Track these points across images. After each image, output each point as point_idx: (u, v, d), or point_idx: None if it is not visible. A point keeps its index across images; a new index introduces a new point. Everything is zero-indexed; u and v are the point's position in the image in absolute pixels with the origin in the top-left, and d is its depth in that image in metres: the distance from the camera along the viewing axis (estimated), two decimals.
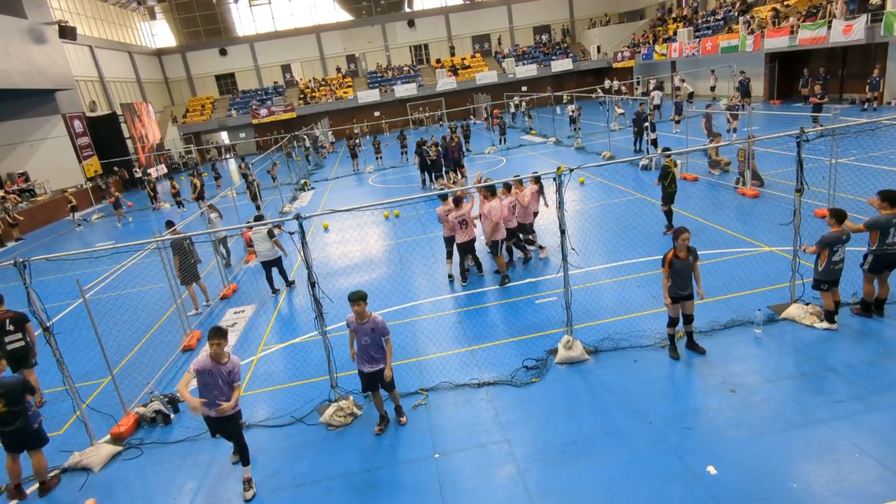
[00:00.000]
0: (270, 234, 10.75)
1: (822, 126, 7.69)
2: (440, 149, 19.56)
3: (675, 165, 11.27)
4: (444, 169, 19.65)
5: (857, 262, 7.07)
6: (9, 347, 7.44)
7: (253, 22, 48.00)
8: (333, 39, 48.06)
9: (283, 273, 11.29)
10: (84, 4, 36.08)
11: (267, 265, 11.01)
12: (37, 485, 6.09)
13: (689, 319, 6.79)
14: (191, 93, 47.56)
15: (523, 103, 36.88)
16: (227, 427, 5.59)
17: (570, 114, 27.21)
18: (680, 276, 6.50)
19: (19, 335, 7.56)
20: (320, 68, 48.52)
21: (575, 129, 25.84)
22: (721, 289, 8.27)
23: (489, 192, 9.60)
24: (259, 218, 11.34)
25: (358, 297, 5.82)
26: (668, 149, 12.73)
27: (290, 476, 5.77)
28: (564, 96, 38.08)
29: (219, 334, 5.38)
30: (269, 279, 11.21)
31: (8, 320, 7.49)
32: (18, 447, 5.95)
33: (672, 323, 6.79)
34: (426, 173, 20.02)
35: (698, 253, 6.64)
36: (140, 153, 34.49)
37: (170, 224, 10.31)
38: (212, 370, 5.38)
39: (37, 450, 6.00)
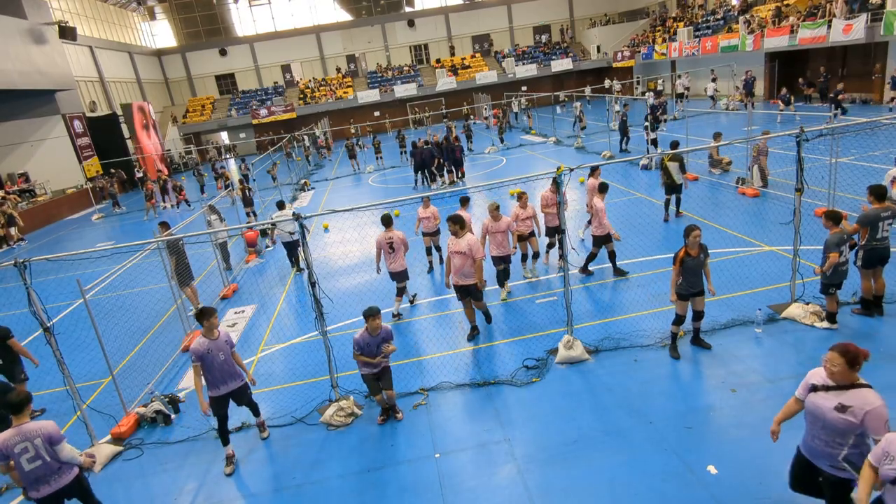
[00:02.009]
0: (295, 216, 11.18)
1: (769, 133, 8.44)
2: (440, 149, 19.56)
3: (668, 159, 11.39)
4: (444, 168, 19.66)
5: (851, 259, 7.07)
6: None
7: (253, 22, 47.98)
8: (333, 39, 48.05)
9: (297, 257, 12.22)
10: (84, 5, 36.08)
11: (288, 245, 12.16)
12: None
13: (698, 316, 6.80)
14: (191, 93, 47.55)
15: (522, 101, 36.92)
16: (238, 398, 6.05)
17: (576, 113, 27.36)
18: (691, 273, 6.50)
19: None
20: (320, 68, 48.51)
21: (581, 128, 25.97)
22: (721, 288, 8.24)
23: (458, 225, 7.66)
24: (281, 203, 12.74)
25: (375, 312, 6.00)
26: (676, 143, 12.76)
27: (290, 476, 5.78)
28: (562, 95, 38.10)
29: (208, 313, 5.77)
30: (291, 258, 12.44)
31: None
32: None
33: (678, 321, 6.79)
34: (420, 173, 20.03)
35: (708, 251, 6.65)
36: (150, 156, 34.46)
37: (164, 225, 10.31)
38: (210, 348, 5.75)
39: None
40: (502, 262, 9.04)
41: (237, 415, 6.71)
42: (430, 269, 11.07)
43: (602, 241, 9.28)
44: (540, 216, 10.08)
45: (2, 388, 5.80)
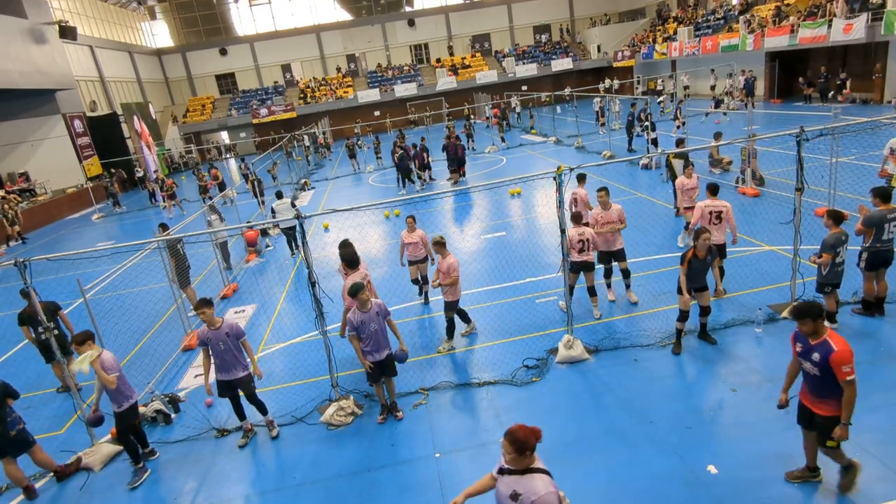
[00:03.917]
0: (293, 204, 13.44)
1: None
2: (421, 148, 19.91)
3: (673, 156, 11.42)
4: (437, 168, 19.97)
5: (854, 261, 7.07)
6: (43, 337, 7.66)
7: (253, 22, 47.97)
8: (333, 39, 48.03)
9: (295, 243, 13.31)
10: (84, 4, 36.06)
11: (287, 232, 13.34)
12: (21, 496, 6.03)
13: (705, 311, 6.88)
14: (191, 92, 47.54)
15: (517, 101, 36.95)
16: (239, 387, 6.23)
17: (596, 108, 27.27)
18: (696, 273, 6.57)
19: (52, 325, 7.53)
20: (320, 68, 48.50)
21: (601, 125, 25.90)
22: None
23: (348, 265, 7.18)
24: (280, 193, 14.18)
25: (358, 289, 5.98)
26: (681, 141, 12.79)
27: (290, 476, 5.78)
28: (543, 96, 37.96)
29: (202, 304, 6.03)
30: (290, 244, 13.58)
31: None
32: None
33: (682, 317, 6.82)
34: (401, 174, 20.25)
35: (717, 253, 6.67)
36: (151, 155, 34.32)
37: (164, 227, 10.33)
38: (210, 336, 6.03)
39: (12, 457, 5.84)
40: (449, 310, 7.69)
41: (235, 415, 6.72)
42: (426, 302, 9.52)
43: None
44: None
45: (2, 387, 5.80)
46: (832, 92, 23.22)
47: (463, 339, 8.11)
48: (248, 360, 6.25)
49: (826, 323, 6.82)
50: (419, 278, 9.43)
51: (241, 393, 6.30)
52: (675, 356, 6.85)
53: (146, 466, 6.16)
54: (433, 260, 9.01)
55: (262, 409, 6.45)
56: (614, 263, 8.42)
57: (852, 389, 4.08)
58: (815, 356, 4.20)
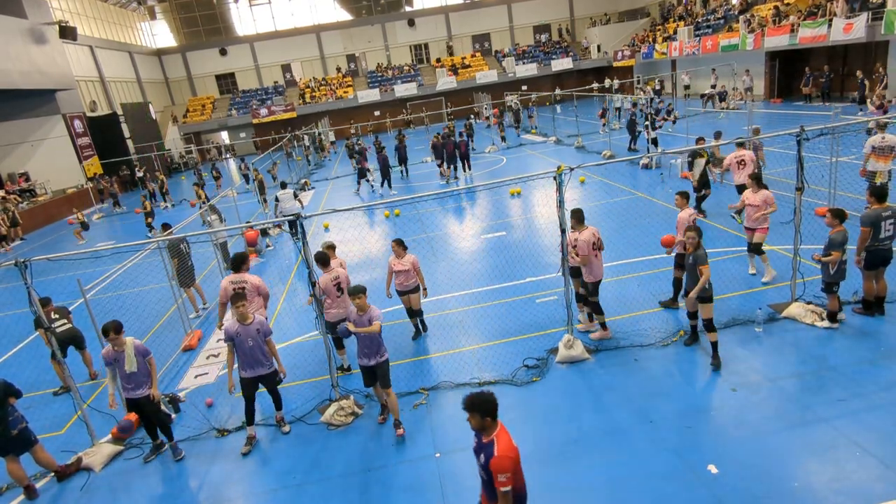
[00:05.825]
0: (295, 195, 14.73)
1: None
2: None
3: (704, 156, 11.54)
4: (444, 164, 20.34)
5: (853, 259, 7.07)
6: (59, 331, 7.80)
7: (253, 22, 47.96)
8: (333, 39, 48.03)
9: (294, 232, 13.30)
10: (84, 4, 36.06)
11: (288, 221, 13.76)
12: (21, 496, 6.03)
13: (693, 315, 6.95)
14: (191, 92, 47.53)
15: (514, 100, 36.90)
16: (265, 383, 6.30)
17: (616, 106, 27.26)
18: (689, 272, 6.62)
19: (64, 321, 8.18)
20: (320, 68, 48.49)
21: (603, 124, 25.96)
22: (722, 288, 8.24)
23: (322, 264, 7.27)
24: (284, 184, 15.15)
25: (358, 291, 6.00)
26: (700, 139, 12.81)
27: (291, 475, 5.78)
28: (533, 96, 37.92)
29: (241, 297, 6.08)
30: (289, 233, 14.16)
31: (52, 312, 7.99)
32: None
33: (689, 316, 6.99)
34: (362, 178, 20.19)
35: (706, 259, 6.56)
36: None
37: (166, 226, 10.35)
38: (239, 332, 6.02)
39: (13, 456, 5.84)
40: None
41: (238, 412, 6.72)
42: (416, 336, 8.37)
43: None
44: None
45: (2, 387, 5.80)
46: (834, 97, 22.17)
47: (463, 339, 8.11)
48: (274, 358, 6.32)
49: (826, 323, 6.90)
50: (412, 310, 8.25)
51: (265, 387, 6.36)
52: (675, 355, 6.86)
53: (172, 445, 6.37)
54: (425, 291, 8.12)
55: (279, 403, 6.53)
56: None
57: (506, 501, 3.51)
58: (482, 457, 3.65)
